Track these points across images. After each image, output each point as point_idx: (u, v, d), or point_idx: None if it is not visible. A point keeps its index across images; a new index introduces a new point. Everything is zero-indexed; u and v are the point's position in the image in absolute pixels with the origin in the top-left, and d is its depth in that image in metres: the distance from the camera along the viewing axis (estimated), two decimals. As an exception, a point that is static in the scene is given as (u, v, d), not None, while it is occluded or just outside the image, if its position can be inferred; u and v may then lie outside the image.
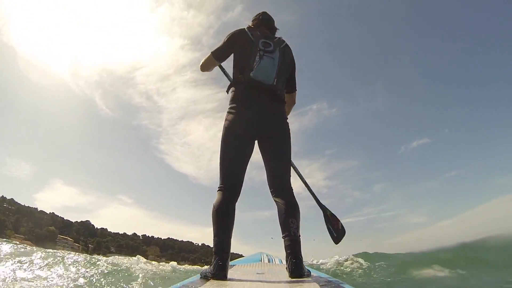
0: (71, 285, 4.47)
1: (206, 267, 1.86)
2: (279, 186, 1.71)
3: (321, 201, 2.13)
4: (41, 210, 74.13)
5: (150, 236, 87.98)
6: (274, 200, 1.69)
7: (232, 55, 1.88)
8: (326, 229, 2.08)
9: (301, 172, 2.12)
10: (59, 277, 4.71)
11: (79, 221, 78.66)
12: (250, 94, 1.71)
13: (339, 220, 2.07)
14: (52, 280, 4.55)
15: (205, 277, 1.53)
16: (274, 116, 1.73)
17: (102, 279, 4.76)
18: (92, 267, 5.33)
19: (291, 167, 1.84)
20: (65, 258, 5.81)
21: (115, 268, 5.37)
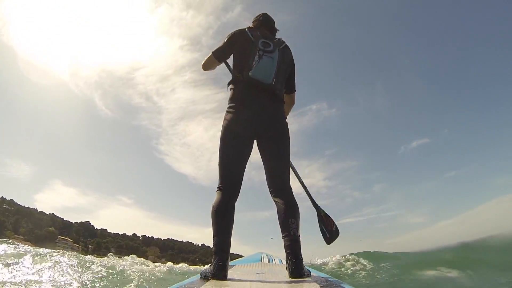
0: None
1: (206, 266, 1.87)
2: (279, 186, 1.71)
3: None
4: (41, 211, 74.26)
5: (150, 236, 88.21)
6: (274, 200, 1.70)
7: (232, 55, 1.89)
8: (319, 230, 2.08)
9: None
10: (50, 281, 4.55)
11: (79, 221, 78.81)
12: (249, 93, 1.71)
13: (333, 222, 2.07)
14: (41, 285, 4.40)
15: (205, 277, 1.53)
16: (274, 116, 1.73)
17: (95, 282, 4.67)
18: (85, 269, 5.24)
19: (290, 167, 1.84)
20: (59, 258, 5.65)
21: (110, 271, 5.28)
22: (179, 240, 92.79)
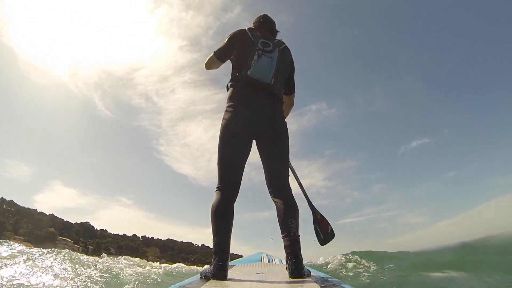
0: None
1: (206, 266, 1.86)
2: (278, 186, 1.71)
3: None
4: (41, 212, 74.09)
5: (150, 237, 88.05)
6: (273, 200, 1.69)
7: (233, 54, 1.89)
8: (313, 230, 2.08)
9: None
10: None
11: (78, 222, 78.70)
12: (247, 92, 1.71)
13: (329, 224, 2.06)
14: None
15: (205, 277, 1.53)
16: (273, 115, 1.73)
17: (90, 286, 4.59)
18: (80, 272, 5.16)
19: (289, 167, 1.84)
20: (51, 262, 5.46)
21: (106, 275, 5.21)
22: (179, 241, 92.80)
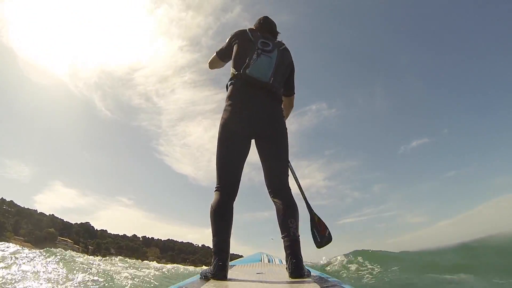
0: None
1: (204, 267, 1.86)
2: (277, 186, 1.70)
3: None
4: (41, 212, 74.15)
5: (150, 237, 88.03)
6: (273, 201, 1.69)
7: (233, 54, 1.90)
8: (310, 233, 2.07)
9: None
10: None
11: (79, 222, 78.71)
12: (246, 91, 1.71)
13: (326, 227, 2.05)
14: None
15: (205, 277, 1.53)
16: (272, 115, 1.73)
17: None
18: (75, 275, 5.09)
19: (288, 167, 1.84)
20: (45, 265, 5.37)
21: (103, 277, 5.15)
22: (179, 241, 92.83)
